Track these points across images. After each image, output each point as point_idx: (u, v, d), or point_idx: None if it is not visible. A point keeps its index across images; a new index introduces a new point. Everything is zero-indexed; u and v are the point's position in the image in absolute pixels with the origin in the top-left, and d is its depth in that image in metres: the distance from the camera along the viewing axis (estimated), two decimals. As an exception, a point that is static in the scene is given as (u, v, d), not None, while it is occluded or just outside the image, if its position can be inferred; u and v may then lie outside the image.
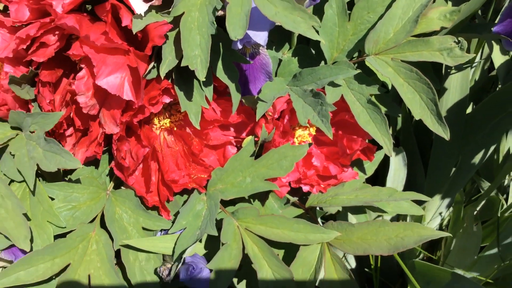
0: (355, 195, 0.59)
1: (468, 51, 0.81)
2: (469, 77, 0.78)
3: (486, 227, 0.90)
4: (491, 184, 0.84)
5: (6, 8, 0.56)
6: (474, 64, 0.90)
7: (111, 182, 0.59)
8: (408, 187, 0.84)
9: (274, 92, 0.57)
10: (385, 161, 0.82)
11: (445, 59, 0.55)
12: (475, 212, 0.88)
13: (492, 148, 0.87)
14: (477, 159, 0.88)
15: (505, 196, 0.95)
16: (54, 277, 0.52)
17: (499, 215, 0.86)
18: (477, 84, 0.92)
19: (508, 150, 0.84)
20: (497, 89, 0.83)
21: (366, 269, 0.88)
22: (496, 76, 0.83)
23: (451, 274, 0.64)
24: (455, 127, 0.83)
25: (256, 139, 0.58)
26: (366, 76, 0.59)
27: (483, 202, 0.90)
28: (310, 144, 0.61)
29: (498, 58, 0.78)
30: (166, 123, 0.59)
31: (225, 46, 0.54)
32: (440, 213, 0.96)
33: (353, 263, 0.91)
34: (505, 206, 0.89)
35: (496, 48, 0.79)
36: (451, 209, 0.94)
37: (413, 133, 0.89)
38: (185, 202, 0.58)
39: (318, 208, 0.62)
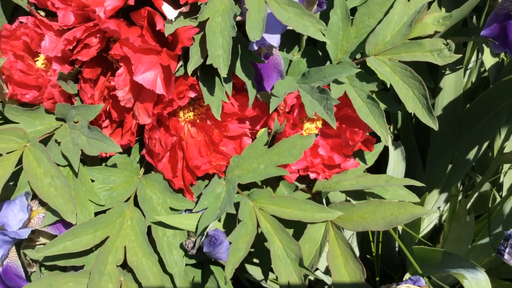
0: (356, 181, 0.67)
1: (464, 53, 0.89)
2: (462, 77, 0.85)
3: (480, 221, 0.96)
4: (482, 177, 0.90)
5: (48, 14, 0.64)
6: (469, 66, 0.97)
7: (142, 168, 0.67)
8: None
9: (285, 88, 0.65)
10: (385, 155, 0.89)
11: (435, 59, 0.63)
12: (469, 205, 0.95)
13: (486, 144, 0.94)
14: (471, 155, 0.95)
15: (500, 193, 1.02)
16: (94, 249, 0.60)
17: (491, 207, 0.93)
18: (473, 85, 0.99)
19: (501, 146, 0.90)
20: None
21: (368, 256, 0.95)
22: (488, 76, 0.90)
23: (442, 253, 0.71)
24: (450, 124, 0.91)
25: (269, 130, 0.66)
26: (367, 74, 0.67)
27: (476, 195, 0.97)
28: (316, 135, 0.68)
29: (489, 60, 0.86)
30: (190, 116, 0.67)
31: (243, 47, 0.62)
32: (439, 207, 1.03)
33: (356, 252, 0.98)
34: (498, 200, 0.96)
35: (487, 50, 0.86)
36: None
37: (412, 131, 0.96)
38: (206, 186, 0.65)
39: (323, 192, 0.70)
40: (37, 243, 0.65)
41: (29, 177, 0.57)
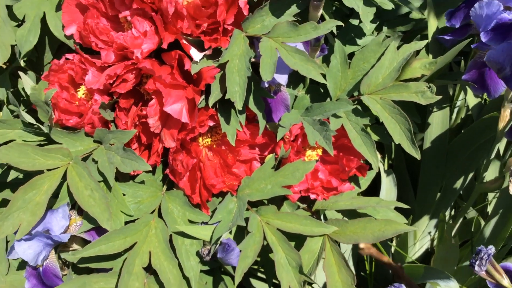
0: (350, 202, 0.77)
1: (449, 93, 1.00)
2: (448, 114, 0.95)
3: (466, 246, 1.05)
4: (466, 204, 1.00)
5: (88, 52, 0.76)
6: (458, 105, 1.08)
7: (164, 185, 0.77)
8: (399, 208, 1.01)
9: (291, 120, 0.75)
10: (378, 183, 0.99)
11: (419, 99, 0.73)
12: (454, 229, 1.04)
13: (471, 174, 1.04)
14: (458, 184, 1.04)
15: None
16: (123, 253, 0.70)
17: (476, 232, 1.02)
18: (461, 121, 1.10)
19: (480, 176, 1.00)
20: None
21: (362, 273, 1.04)
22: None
23: (424, 268, 0.80)
24: (438, 156, 1.01)
25: (276, 156, 0.76)
26: (361, 110, 0.77)
27: (462, 221, 1.06)
28: (316, 161, 0.79)
29: (472, 100, 0.96)
30: (208, 142, 0.77)
31: (256, 84, 0.73)
32: (429, 233, 1.12)
33: (352, 270, 1.07)
34: (482, 226, 1.05)
35: (470, 92, 0.97)
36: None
37: (404, 161, 1.06)
38: (220, 202, 0.75)
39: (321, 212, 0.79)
40: (71, 248, 0.75)
41: (72, 189, 0.67)
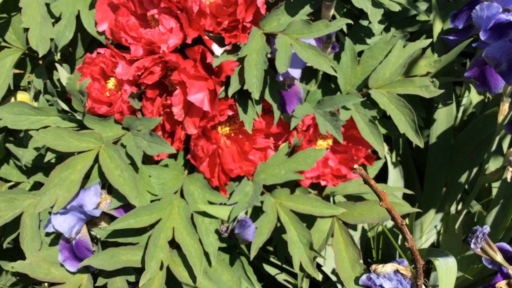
0: (358, 188, 0.83)
1: (455, 90, 1.05)
2: (453, 110, 1.01)
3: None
4: (469, 196, 1.05)
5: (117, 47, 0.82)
6: (463, 102, 1.13)
7: (185, 169, 0.84)
8: (406, 200, 1.06)
9: (304, 112, 0.82)
10: (386, 175, 1.04)
11: (423, 92, 0.79)
12: (459, 221, 1.09)
13: (476, 169, 1.09)
14: (463, 178, 1.09)
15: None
16: (148, 228, 0.77)
17: (479, 223, 1.07)
18: (468, 117, 1.15)
19: (482, 168, 1.05)
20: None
21: (369, 260, 1.09)
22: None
23: (427, 250, 0.86)
24: (443, 151, 1.06)
25: (289, 144, 0.83)
26: (369, 103, 0.83)
27: (467, 214, 1.11)
28: (327, 149, 0.85)
29: (475, 98, 1.02)
30: (226, 130, 0.84)
31: (271, 78, 0.79)
32: (435, 226, 1.17)
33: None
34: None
35: (474, 90, 1.02)
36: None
37: (411, 157, 1.12)
38: (237, 185, 0.82)
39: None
40: (99, 226, 0.82)
41: (104, 170, 0.74)
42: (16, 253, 1.17)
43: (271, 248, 0.93)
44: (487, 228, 0.69)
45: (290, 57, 0.71)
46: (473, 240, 0.69)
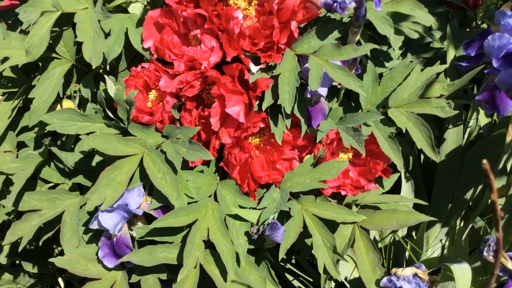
0: (376, 198, 0.90)
1: (465, 114, 1.13)
2: (462, 131, 1.09)
3: (475, 254, 1.16)
4: (475, 211, 1.12)
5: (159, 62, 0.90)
6: (470, 125, 1.21)
7: (218, 176, 0.91)
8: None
9: (328, 127, 0.89)
10: (398, 189, 1.12)
11: (439, 112, 0.87)
12: (464, 234, 1.16)
13: (480, 187, 1.16)
14: (468, 195, 1.17)
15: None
16: (184, 228, 0.84)
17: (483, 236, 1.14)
18: (473, 138, 1.22)
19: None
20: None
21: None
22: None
23: (438, 258, 0.92)
24: (451, 168, 1.13)
25: (314, 156, 0.90)
26: (388, 121, 0.91)
27: (472, 230, 1.18)
28: (349, 161, 0.92)
29: (483, 120, 1.10)
30: (256, 141, 0.91)
31: (300, 95, 0.87)
32: (441, 240, 1.24)
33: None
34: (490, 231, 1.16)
35: (482, 112, 1.10)
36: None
37: (420, 173, 1.19)
38: (265, 192, 0.89)
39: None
40: (136, 225, 0.88)
41: (148, 172, 0.81)
42: (36, 255, 1.24)
43: (284, 257, 1.00)
44: (497, 237, 0.76)
45: (321, 76, 0.79)
46: (485, 248, 0.76)
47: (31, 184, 0.99)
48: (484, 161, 0.46)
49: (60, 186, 0.99)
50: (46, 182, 1.01)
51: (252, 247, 0.86)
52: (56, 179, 1.00)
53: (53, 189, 0.99)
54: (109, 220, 0.80)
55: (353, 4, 0.82)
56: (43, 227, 0.98)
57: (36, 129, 0.99)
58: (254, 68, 0.85)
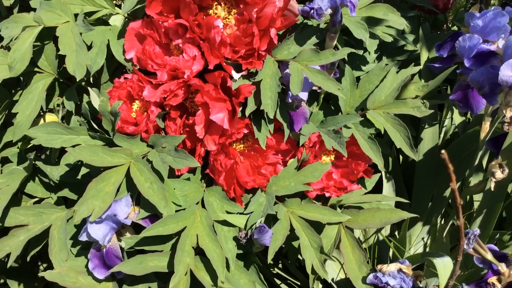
0: (359, 199, 0.93)
1: (440, 114, 1.17)
2: (438, 130, 1.12)
3: (455, 251, 1.20)
4: (453, 210, 1.15)
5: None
6: (445, 124, 1.25)
7: (204, 183, 0.92)
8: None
9: (310, 130, 0.92)
10: (380, 188, 1.15)
11: (415, 112, 0.90)
12: (446, 230, 1.19)
13: (459, 184, 1.20)
14: (447, 192, 1.20)
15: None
16: (173, 236, 0.84)
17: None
18: (450, 137, 1.26)
19: (466, 181, 1.16)
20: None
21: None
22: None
23: (421, 254, 0.95)
24: (430, 167, 1.17)
25: (298, 159, 0.92)
26: (367, 122, 0.94)
27: (450, 225, 1.21)
28: (332, 163, 0.95)
29: (458, 118, 1.14)
30: (240, 147, 0.93)
31: (282, 100, 0.89)
32: (423, 238, 1.27)
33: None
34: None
35: (456, 112, 1.14)
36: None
37: (400, 173, 1.22)
38: (251, 197, 0.90)
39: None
40: (124, 236, 0.89)
41: (135, 182, 0.82)
42: (22, 272, 1.23)
43: (271, 262, 1.01)
44: (477, 231, 0.79)
45: (302, 81, 0.82)
46: (465, 242, 0.79)
47: (15, 199, 0.99)
48: (443, 151, 0.49)
49: (45, 200, 0.99)
50: (31, 197, 1.00)
51: (241, 251, 0.88)
52: (41, 193, 0.99)
53: (39, 203, 0.99)
54: (98, 231, 0.81)
55: (329, 11, 0.85)
56: (30, 243, 0.97)
57: (19, 144, 0.99)
58: (236, 75, 0.87)
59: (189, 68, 0.86)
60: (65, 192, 0.96)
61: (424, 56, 1.05)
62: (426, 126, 1.12)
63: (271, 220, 0.90)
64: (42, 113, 0.97)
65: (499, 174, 0.88)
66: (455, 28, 1.45)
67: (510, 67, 0.76)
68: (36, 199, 1.00)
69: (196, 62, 0.87)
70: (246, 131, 0.89)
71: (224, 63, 0.87)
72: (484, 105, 0.95)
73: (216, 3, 0.88)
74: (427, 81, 1.02)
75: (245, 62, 0.87)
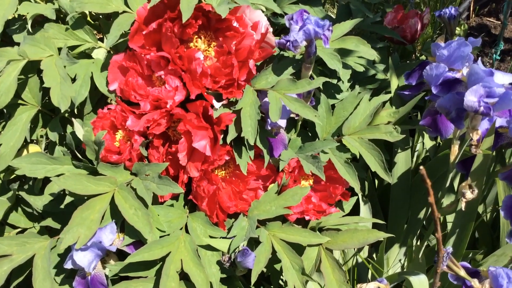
0: (338, 221, 0.96)
1: (411, 139, 1.22)
2: (410, 155, 1.17)
3: (431, 271, 1.24)
4: (428, 230, 1.20)
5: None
6: (417, 148, 1.30)
7: (187, 209, 0.95)
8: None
9: (289, 156, 0.95)
10: (357, 211, 1.18)
11: (388, 137, 0.95)
12: (421, 251, 1.23)
13: (432, 206, 1.25)
14: (421, 214, 1.24)
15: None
16: (158, 261, 0.86)
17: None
18: (421, 160, 1.31)
19: (439, 202, 1.20)
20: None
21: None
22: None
23: (398, 273, 0.99)
24: (404, 190, 1.21)
25: (278, 184, 0.95)
26: (343, 147, 0.98)
27: (425, 246, 1.25)
28: (311, 187, 0.98)
29: (428, 143, 1.19)
30: (222, 173, 0.96)
31: (261, 127, 0.93)
32: (400, 260, 1.31)
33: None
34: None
35: (427, 136, 1.20)
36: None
37: (376, 197, 1.26)
38: (234, 221, 0.93)
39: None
40: (109, 262, 0.90)
41: (120, 209, 0.84)
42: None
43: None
44: (450, 249, 0.83)
45: (281, 109, 0.86)
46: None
47: (-2, 230, 0.99)
48: (421, 167, 0.53)
49: (28, 230, 1.00)
50: (14, 227, 1.01)
51: (224, 275, 0.90)
52: (24, 223, 1.00)
53: (22, 233, 0.99)
54: (83, 259, 0.82)
55: (304, 43, 0.90)
56: (12, 273, 0.97)
57: (1, 175, 1.00)
58: (217, 104, 0.90)
59: (171, 98, 0.89)
60: (49, 222, 0.97)
61: (394, 84, 1.11)
62: (399, 150, 1.17)
63: (253, 243, 0.93)
64: (25, 144, 0.98)
65: (469, 195, 0.93)
66: (423, 57, 1.53)
67: (474, 93, 0.82)
68: (19, 229, 1.01)
69: (178, 93, 0.90)
70: (227, 157, 0.92)
71: (206, 93, 0.91)
72: (452, 130, 1.00)
73: (196, 36, 0.93)
74: (397, 108, 1.07)
75: (226, 92, 0.91)
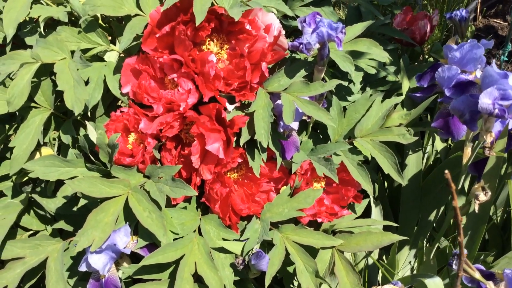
0: (350, 223, 0.96)
1: (422, 141, 1.22)
2: (421, 157, 1.17)
3: (442, 273, 1.23)
4: (439, 233, 1.19)
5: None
6: (427, 150, 1.30)
7: (200, 211, 0.95)
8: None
9: (301, 158, 0.95)
10: (368, 213, 1.18)
11: (401, 139, 0.95)
12: (432, 253, 1.23)
13: (442, 208, 1.24)
14: (432, 216, 1.24)
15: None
16: (171, 264, 0.86)
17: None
18: (433, 163, 1.31)
19: (450, 204, 1.20)
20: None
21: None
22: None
23: (411, 276, 0.98)
24: (415, 192, 1.21)
25: (291, 186, 0.95)
26: (356, 150, 0.98)
27: (437, 250, 1.25)
28: (324, 189, 0.98)
29: (440, 145, 1.19)
30: (235, 176, 0.96)
31: (274, 130, 0.93)
32: (410, 262, 1.30)
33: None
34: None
35: (438, 138, 1.19)
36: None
37: (387, 199, 1.26)
38: (247, 224, 0.93)
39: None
40: (122, 265, 0.90)
41: (134, 211, 0.84)
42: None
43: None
44: (465, 251, 0.83)
45: (294, 111, 0.86)
46: (454, 262, 0.83)
47: (10, 233, 0.99)
48: (446, 171, 0.53)
49: (40, 232, 1.00)
50: (26, 230, 1.01)
51: (237, 278, 0.90)
52: (36, 226, 1.00)
53: (34, 236, 0.99)
54: (98, 261, 0.82)
55: (317, 45, 0.90)
56: (25, 275, 0.97)
57: (13, 177, 1.00)
58: (230, 107, 0.91)
59: (184, 101, 0.89)
60: (61, 224, 0.97)
61: (406, 86, 1.11)
62: (410, 152, 1.17)
63: (265, 246, 0.93)
64: (38, 147, 0.99)
65: (483, 197, 0.92)
66: (431, 59, 1.52)
67: (488, 96, 0.82)
68: (31, 231, 1.01)
69: (191, 95, 0.90)
70: (240, 160, 0.92)
71: (218, 96, 0.91)
72: (464, 132, 1.00)
73: (209, 39, 0.93)
74: (409, 110, 1.07)
75: (238, 94, 0.91)
